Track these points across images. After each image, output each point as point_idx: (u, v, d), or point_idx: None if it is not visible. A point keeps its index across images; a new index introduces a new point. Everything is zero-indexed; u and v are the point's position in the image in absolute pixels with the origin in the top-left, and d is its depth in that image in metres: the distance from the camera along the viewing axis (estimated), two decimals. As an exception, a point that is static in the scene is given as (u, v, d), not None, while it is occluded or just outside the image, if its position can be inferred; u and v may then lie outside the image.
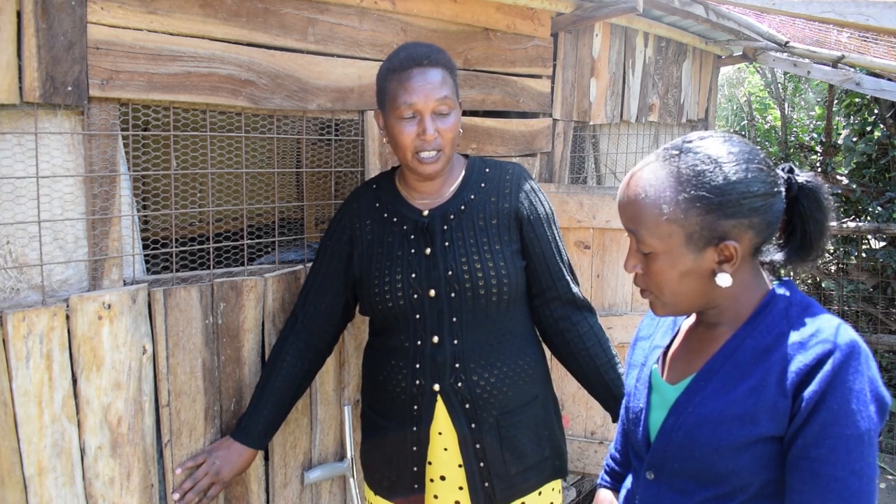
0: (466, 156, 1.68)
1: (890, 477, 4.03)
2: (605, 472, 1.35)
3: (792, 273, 5.33)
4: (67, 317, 1.45)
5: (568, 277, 1.64)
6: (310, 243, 2.06)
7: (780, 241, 1.07)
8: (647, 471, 1.10)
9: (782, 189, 1.02)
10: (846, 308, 5.07)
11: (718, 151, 1.00)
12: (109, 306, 1.51)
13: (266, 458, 1.87)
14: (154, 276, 1.68)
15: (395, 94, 1.50)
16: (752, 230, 0.99)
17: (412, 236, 1.57)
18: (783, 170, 1.05)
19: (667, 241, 1.00)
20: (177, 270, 1.69)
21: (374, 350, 1.68)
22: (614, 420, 1.66)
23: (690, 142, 1.03)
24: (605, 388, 1.63)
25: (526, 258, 1.60)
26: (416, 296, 1.54)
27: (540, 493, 1.63)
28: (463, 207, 1.57)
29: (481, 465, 1.56)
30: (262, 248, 2.24)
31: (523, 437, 1.58)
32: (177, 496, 1.59)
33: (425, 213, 1.58)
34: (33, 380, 1.41)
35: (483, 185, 1.60)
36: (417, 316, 1.55)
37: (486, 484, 1.56)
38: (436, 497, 1.60)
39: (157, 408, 1.63)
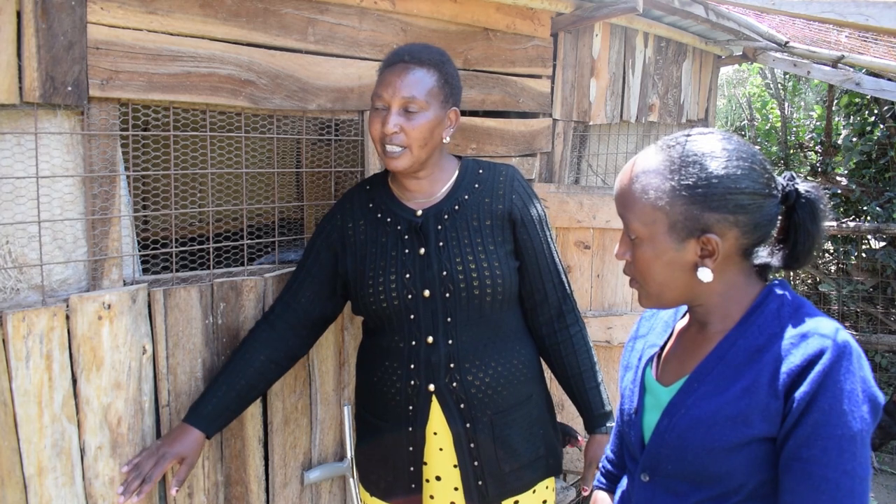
0: (460, 157, 1.68)
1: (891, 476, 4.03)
2: (601, 473, 1.35)
3: (791, 273, 5.33)
4: (67, 317, 1.46)
5: (556, 281, 1.63)
6: (309, 243, 2.06)
7: (776, 247, 1.07)
8: (642, 472, 1.10)
9: (777, 193, 1.02)
10: (846, 308, 5.07)
11: (713, 146, 1.01)
12: (109, 306, 1.51)
13: (266, 458, 1.87)
14: (154, 276, 1.68)
15: (375, 86, 1.54)
16: (738, 228, 1.00)
17: (406, 236, 1.57)
18: (784, 177, 1.05)
19: (651, 227, 1.01)
20: (177, 270, 1.69)
21: (368, 351, 1.68)
22: (588, 430, 1.67)
23: (690, 135, 1.04)
24: (575, 398, 1.67)
25: (518, 260, 1.61)
26: (410, 296, 1.54)
27: (534, 492, 1.63)
28: (457, 207, 1.58)
29: (475, 463, 1.56)
30: (262, 248, 2.24)
31: (517, 436, 1.59)
32: (120, 489, 1.46)
33: (419, 212, 1.58)
34: (33, 380, 1.41)
35: (477, 185, 1.60)
36: (412, 316, 1.55)
37: (480, 482, 1.57)
38: (432, 497, 1.61)
39: (157, 408, 1.64)
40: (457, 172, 1.62)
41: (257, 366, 1.60)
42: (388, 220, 1.60)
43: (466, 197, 1.59)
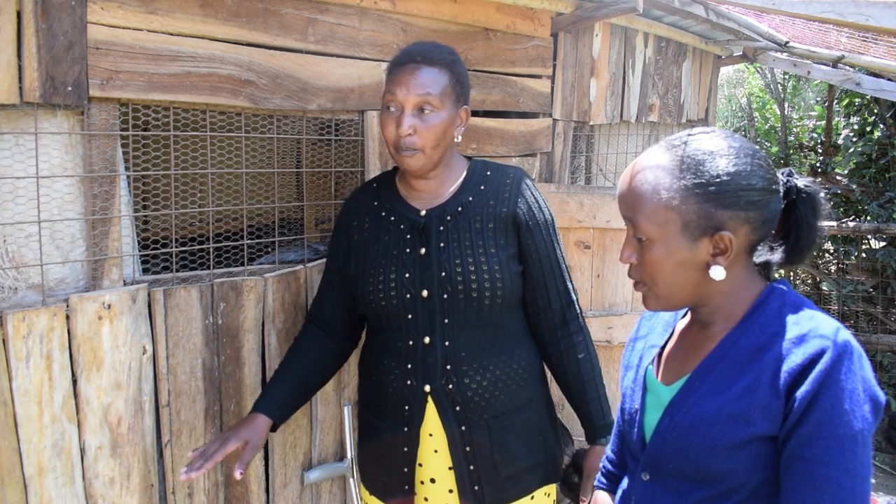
0: (470, 158, 1.67)
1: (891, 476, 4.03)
2: (602, 473, 1.35)
3: (791, 273, 5.32)
4: (67, 317, 1.46)
5: (560, 288, 1.61)
6: (310, 243, 2.06)
7: (775, 244, 1.08)
8: (643, 472, 1.10)
9: (780, 189, 1.03)
10: (846, 308, 5.07)
11: (720, 144, 1.01)
12: (109, 306, 1.51)
13: (266, 459, 1.87)
14: (154, 276, 1.68)
15: (385, 86, 1.54)
16: (748, 224, 1.00)
17: (408, 235, 1.57)
18: (783, 173, 1.05)
19: (663, 228, 1.01)
20: (177, 270, 1.69)
21: (369, 350, 1.68)
22: (588, 441, 1.65)
23: (694, 134, 1.04)
24: (576, 408, 1.65)
25: (521, 264, 1.59)
26: (408, 295, 1.54)
27: (532, 498, 1.62)
28: (460, 209, 1.57)
29: (471, 467, 1.55)
30: (262, 248, 2.24)
31: (515, 441, 1.57)
32: (184, 469, 1.44)
33: (423, 212, 1.58)
34: (33, 380, 1.41)
35: (482, 187, 1.60)
36: (410, 316, 1.55)
37: (476, 487, 1.55)
38: (426, 499, 1.60)
39: (157, 408, 1.64)
40: (465, 173, 1.62)
41: (314, 358, 1.68)
42: (392, 218, 1.60)
43: (471, 198, 1.58)
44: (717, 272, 1.01)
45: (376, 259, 1.58)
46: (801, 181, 1.04)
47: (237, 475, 1.43)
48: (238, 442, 1.49)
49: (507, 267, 1.55)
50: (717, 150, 1.00)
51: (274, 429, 1.60)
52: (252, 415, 1.57)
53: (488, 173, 1.62)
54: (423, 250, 1.55)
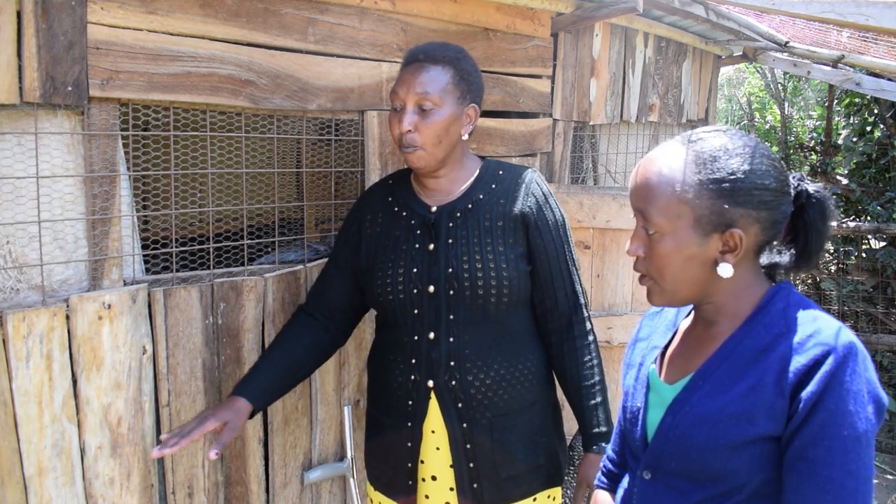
0: (483, 157, 1.68)
1: (890, 477, 4.03)
2: (602, 472, 1.35)
3: (792, 273, 5.31)
4: (67, 317, 1.45)
5: (569, 289, 1.61)
6: (310, 243, 2.06)
7: (782, 247, 1.08)
8: (644, 470, 1.10)
9: (791, 192, 1.03)
10: (846, 308, 5.07)
11: (737, 143, 1.02)
12: (109, 306, 1.51)
13: (266, 459, 1.87)
14: (154, 276, 1.68)
15: (392, 86, 1.56)
16: (759, 224, 1.00)
17: (418, 231, 1.58)
18: (794, 177, 1.06)
19: (675, 221, 1.01)
20: (177, 270, 1.69)
21: (377, 346, 1.69)
22: (584, 447, 1.62)
23: (709, 131, 1.05)
24: (576, 413, 1.63)
25: (530, 264, 1.59)
26: (415, 290, 1.55)
27: (535, 500, 1.62)
28: (470, 206, 1.58)
29: (471, 465, 1.55)
30: (262, 248, 2.24)
31: (517, 442, 1.57)
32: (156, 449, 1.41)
33: (433, 209, 1.59)
34: (33, 380, 1.41)
35: (494, 186, 1.61)
36: (416, 311, 1.56)
37: (475, 485, 1.55)
38: (427, 497, 1.60)
39: (157, 408, 1.64)
40: (477, 172, 1.63)
41: (304, 346, 1.65)
42: (404, 214, 1.61)
43: (481, 196, 1.59)
44: (725, 269, 1.01)
45: (386, 253, 1.59)
46: (811, 186, 1.05)
47: (212, 455, 1.38)
48: (217, 422, 1.45)
49: (515, 266, 1.55)
50: (734, 147, 1.01)
51: (251, 415, 1.54)
52: (232, 397, 1.52)
53: (500, 173, 1.63)
54: (431, 246, 1.56)
